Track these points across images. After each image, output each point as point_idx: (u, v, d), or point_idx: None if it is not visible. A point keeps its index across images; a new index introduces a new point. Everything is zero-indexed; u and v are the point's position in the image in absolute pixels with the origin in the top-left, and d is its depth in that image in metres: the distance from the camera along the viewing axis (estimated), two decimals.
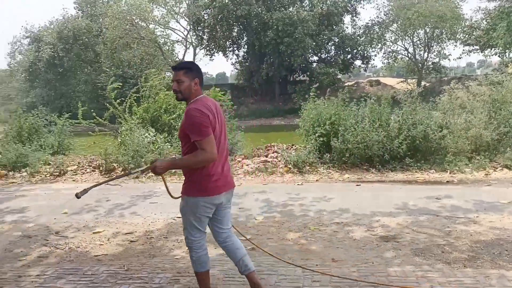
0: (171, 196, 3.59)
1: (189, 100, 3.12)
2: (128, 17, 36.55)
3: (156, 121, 11.32)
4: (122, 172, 8.70)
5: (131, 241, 5.09)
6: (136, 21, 37.71)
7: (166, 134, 10.26)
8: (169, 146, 9.72)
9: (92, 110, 11.31)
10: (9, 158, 9.25)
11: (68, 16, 40.05)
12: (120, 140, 9.70)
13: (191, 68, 3.14)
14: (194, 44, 41.95)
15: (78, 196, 3.35)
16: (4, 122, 13.01)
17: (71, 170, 9.18)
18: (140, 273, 4.09)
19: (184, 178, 3.23)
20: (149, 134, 9.58)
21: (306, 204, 6.40)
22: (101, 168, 9.06)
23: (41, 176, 9.03)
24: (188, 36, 42.22)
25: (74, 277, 4.07)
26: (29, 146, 9.94)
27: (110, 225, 5.74)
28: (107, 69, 33.29)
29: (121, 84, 12.11)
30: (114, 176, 4.39)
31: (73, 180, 8.72)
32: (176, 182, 8.12)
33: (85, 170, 9.20)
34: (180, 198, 3.28)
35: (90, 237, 5.28)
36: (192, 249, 3.23)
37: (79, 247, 4.96)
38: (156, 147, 9.15)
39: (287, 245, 4.76)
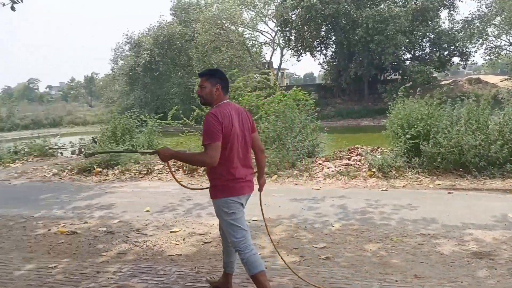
0: (179, 183, 3.77)
1: (212, 105, 3.28)
2: (219, 22, 37.73)
3: None
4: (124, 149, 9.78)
5: (205, 242, 5.09)
6: (226, 25, 38.80)
7: None
8: None
9: (181, 112, 11.72)
10: (104, 156, 9.89)
11: (164, 23, 42.37)
12: None
13: (213, 75, 3.30)
14: (281, 45, 42.12)
15: (86, 156, 3.85)
16: (106, 123, 13.98)
17: (158, 169, 9.56)
18: (209, 276, 4.04)
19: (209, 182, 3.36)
20: None
21: (389, 212, 5.97)
22: (184, 168, 9.31)
23: (130, 174, 9.53)
24: (276, 37, 42.53)
25: (147, 276, 4.14)
26: (122, 146, 10.56)
27: (187, 225, 5.82)
28: (198, 72, 34.48)
29: None
30: (122, 150, 4.61)
31: (159, 179, 9.07)
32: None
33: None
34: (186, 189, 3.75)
35: (167, 236, 5.38)
36: (240, 252, 3.27)
37: (155, 245, 5.07)
38: None
39: (365, 256, 4.43)
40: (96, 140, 12.09)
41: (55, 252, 5.02)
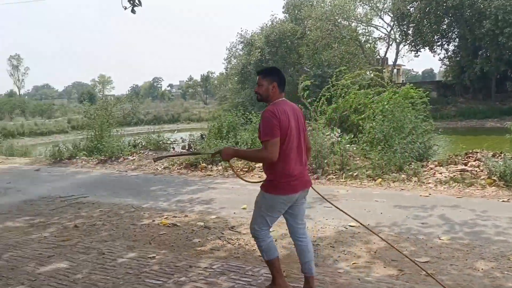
0: (242, 179, 4.20)
1: (269, 102, 3.38)
2: (331, 18, 37.05)
3: (344, 121, 11.05)
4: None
5: None
6: (338, 20, 37.98)
7: (353, 135, 9.88)
8: (354, 148, 9.32)
9: None
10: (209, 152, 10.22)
11: (276, 21, 42.89)
12: None
13: (269, 73, 3.42)
14: (397, 40, 40.06)
15: (154, 160, 4.04)
16: (213, 120, 14.56)
17: (259, 167, 9.60)
18: (297, 282, 3.88)
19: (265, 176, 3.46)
20: (334, 134, 9.35)
21: (507, 227, 5.21)
22: (313, 165, 9.16)
23: (232, 171, 9.73)
24: (392, 32, 40.55)
25: (235, 275, 4.11)
26: (226, 142, 10.84)
27: (282, 226, 5.66)
28: (308, 70, 34.43)
29: (310, 82, 12.17)
30: (186, 152, 4.79)
31: (259, 177, 9.10)
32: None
33: None
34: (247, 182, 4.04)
35: None
36: (258, 239, 3.45)
37: (247, 244, 5.05)
38: (339, 148, 8.86)
39: (474, 276, 3.90)
40: (204, 136, 12.61)
41: (156, 243, 5.26)
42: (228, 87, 46.23)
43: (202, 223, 5.96)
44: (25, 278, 4.25)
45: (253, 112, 13.08)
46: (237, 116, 12.19)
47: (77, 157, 13.17)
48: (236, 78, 43.33)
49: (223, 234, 5.48)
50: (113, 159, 12.19)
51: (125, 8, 7.96)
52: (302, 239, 3.56)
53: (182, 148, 13.27)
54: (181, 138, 14.42)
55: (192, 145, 12.36)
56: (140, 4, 8.00)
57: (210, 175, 9.71)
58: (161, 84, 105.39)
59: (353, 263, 4.35)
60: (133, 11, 7.91)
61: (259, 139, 3.34)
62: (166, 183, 9.13)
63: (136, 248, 5.07)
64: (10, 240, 5.51)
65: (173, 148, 13.38)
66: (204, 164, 10.21)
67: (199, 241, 5.24)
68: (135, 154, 12.41)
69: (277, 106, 3.26)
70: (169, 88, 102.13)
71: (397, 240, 4.96)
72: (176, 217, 6.39)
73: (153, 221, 6.22)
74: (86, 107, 15.61)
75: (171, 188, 8.59)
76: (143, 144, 13.48)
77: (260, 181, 3.56)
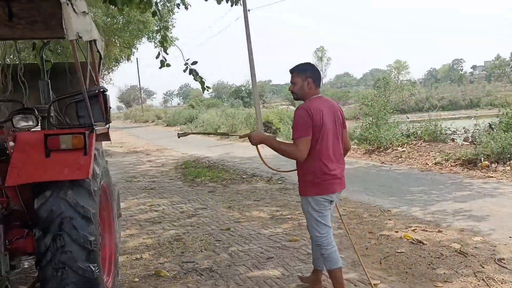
0: (267, 166, 3.76)
1: (305, 99, 3.30)
2: None
3: None
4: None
5: None
6: None
7: None
8: None
9: None
10: (494, 147, 8.04)
11: None
12: None
13: (303, 70, 3.31)
14: None
15: (178, 136, 3.77)
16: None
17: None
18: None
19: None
20: None
21: None
22: None
23: None
24: None
25: None
26: None
27: None
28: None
29: None
30: (215, 132, 3.97)
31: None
32: None
33: None
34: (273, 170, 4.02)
35: None
36: (322, 246, 3.25)
37: None
38: None
39: None
40: (493, 126, 10.11)
41: (387, 264, 4.22)
42: None
43: (457, 246, 4.46)
44: (233, 280, 3.99)
45: None
46: None
47: None
48: None
49: (483, 268, 3.93)
50: (381, 149, 11.25)
51: None
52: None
53: (464, 141, 11.04)
54: (463, 128, 12.01)
55: (476, 137, 10.09)
56: None
57: (492, 177, 7.56)
58: (462, 66, 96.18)
59: None
60: None
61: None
62: (432, 183, 7.62)
63: (359, 267, 4.13)
64: (245, 232, 5.45)
65: (453, 139, 11.32)
66: (486, 162, 8.07)
67: (444, 273, 3.88)
68: (406, 145, 11.09)
69: (311, 104, 3.19)
70: (471, 70, 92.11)
71: None
72: (426, 231, 5.06)
73: (396, 232, 5.09)
74: (364, 93, 15.06)
75: (436, 190, 7.06)
76: (417, 134, 11.88)
77: (290, 170, 3.50)
